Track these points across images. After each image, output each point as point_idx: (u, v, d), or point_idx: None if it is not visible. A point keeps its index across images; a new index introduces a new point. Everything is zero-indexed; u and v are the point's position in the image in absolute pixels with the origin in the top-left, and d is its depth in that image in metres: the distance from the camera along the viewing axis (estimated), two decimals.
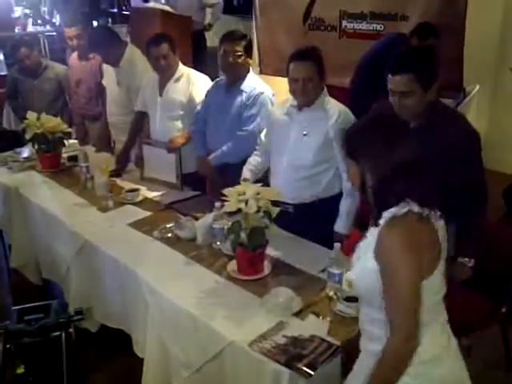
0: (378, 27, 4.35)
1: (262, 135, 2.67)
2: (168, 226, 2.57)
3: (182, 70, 3.16)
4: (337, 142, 2.38)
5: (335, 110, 2.43)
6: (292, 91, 2.43)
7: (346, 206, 2.44)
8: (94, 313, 2.59)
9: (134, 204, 2.85)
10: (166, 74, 3.13)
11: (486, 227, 2.27)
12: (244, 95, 2.81)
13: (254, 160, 2.69)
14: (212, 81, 3.14)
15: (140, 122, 3.34)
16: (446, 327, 1.51)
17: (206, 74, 3.30)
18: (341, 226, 2.45)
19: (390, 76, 2.04)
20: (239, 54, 2.79)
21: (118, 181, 3.12)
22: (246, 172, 2.64)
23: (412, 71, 1.99)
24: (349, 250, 2.15)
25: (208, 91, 3.03)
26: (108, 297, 2.49)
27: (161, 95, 3.16)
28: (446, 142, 2.03)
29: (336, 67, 4.29)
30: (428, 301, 1.40)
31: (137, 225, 2.62)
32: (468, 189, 2.10)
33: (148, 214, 2.75)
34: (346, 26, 4.55)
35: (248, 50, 2.85)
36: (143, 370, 2.19)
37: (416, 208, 1.39)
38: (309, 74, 2.36)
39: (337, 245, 1.99)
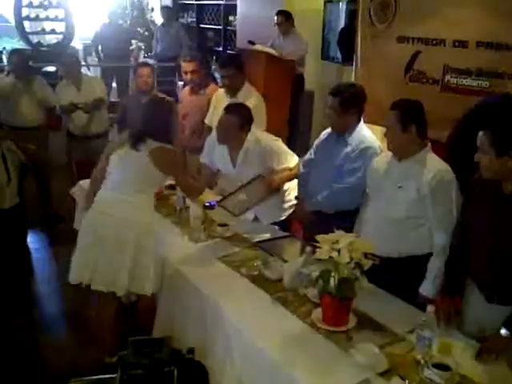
0: (484, 84, 4.24)
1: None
2: (255, 263, 2.62)
3: (248, 141, 3.08)
4: (431, 200, 2.34)
5: (434, 167, 2.38)
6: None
7: (434, 268, 2.35)
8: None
9: (224, 238, 2.93)
10: (232, 146, 3.12)
11: None
12: (349, 147, 2.78)
13: None
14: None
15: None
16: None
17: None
18: (427, 288, 2.36)
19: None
20: (334, 110, 2.75)
21: (211, 213, 3.23)
22: None
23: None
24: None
25: (319, 138, 3.04)
26: (189, 328, 2.51)
27: (234, 167, 3.17)
28: None
29: (435, 121, 4.21)
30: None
31: (226, 259, 2.69)
32: None
33: (237, 249, 2.81)
34: (448, 80, 4.48)
35: (347, 105, 2.75)
36: None
37: None
38: (389, 122, 2.41)
39: (430, 307, 1.93)
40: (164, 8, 8.15)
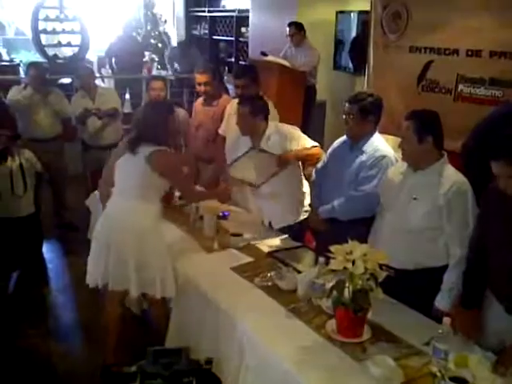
0: (497, 93, 4.21)
1: None
2: (269, 274, 2.61)
3: (269, 128, 3.17)
4: (447, 212, 2.33)
5: (451, 178, 2.37)
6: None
7: (450, 281, 2.33)
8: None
9: (237, 248, 2.93)
10: (254, 136, 3.20)
11: None
12: (364, 156, 2.77)
13: None
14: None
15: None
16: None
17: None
18: (442, 301, 2.34)
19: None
20: (352, 117, 2.78)
21: (224, 223, 3.24)
22: None
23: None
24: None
25: (332, 146, 3.05)
26: (202, 338, 2.49)
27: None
28: None
29: (448, 130, 4.20)
30: None
31: (239, 269, 2.68)
32: None
33: (250, 259, 2.81)
34: (461, 89, 4.46)
35: (366, 112, 2.77)
36: None
37: None
38: (404, 132, 2.42)
39: (446, 319, 1.91)
40: (179, 44, 8.53)
